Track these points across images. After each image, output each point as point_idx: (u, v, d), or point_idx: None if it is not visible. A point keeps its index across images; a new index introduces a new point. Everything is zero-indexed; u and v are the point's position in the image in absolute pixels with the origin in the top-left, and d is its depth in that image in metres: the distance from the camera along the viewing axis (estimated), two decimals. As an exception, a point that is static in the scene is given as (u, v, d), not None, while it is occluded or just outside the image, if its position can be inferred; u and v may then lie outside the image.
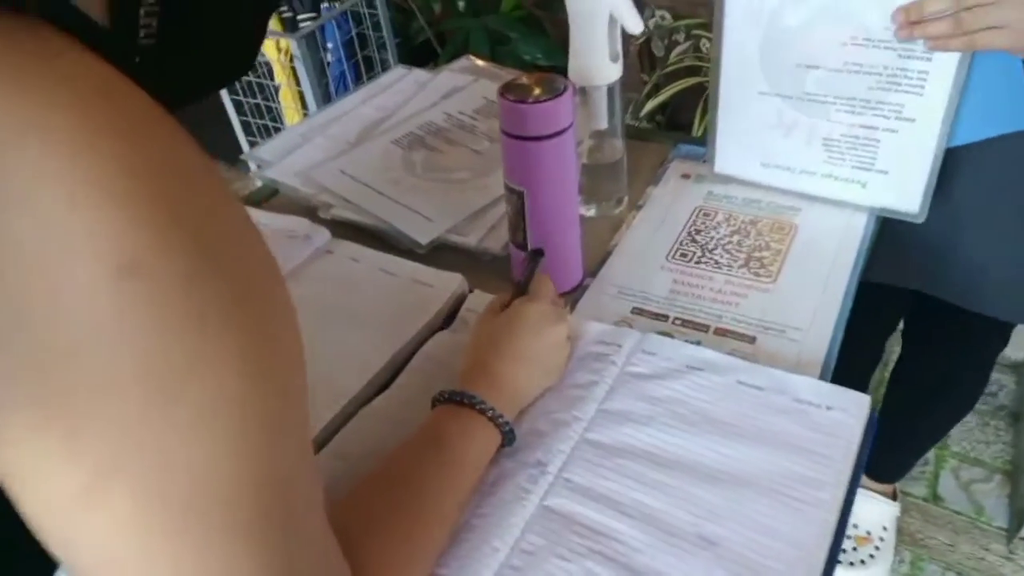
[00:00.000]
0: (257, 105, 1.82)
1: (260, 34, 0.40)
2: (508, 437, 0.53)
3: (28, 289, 0.23)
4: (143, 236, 0.24)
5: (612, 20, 0.68)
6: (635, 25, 0.67)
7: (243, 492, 0.27)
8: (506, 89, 0.61)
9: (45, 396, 0.23)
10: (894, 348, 1.33)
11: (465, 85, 0.99)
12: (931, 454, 1.42)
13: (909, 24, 0.63)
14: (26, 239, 0.22)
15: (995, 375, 1.54)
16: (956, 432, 1.45)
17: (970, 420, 1.47)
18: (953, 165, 0.71)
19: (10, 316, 0.23)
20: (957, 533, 1.30)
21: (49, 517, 0.26)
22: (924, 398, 1.09)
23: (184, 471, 0.25)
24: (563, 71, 0.68)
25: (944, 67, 0.65)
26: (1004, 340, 1.02)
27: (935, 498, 1.36)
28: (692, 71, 1.77)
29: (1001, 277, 0.83)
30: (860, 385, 1.04)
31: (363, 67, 1.82)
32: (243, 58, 0.40)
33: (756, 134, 0.75)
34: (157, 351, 0.24)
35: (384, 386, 0.63)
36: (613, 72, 0.72)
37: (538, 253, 0.63)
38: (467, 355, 0.58)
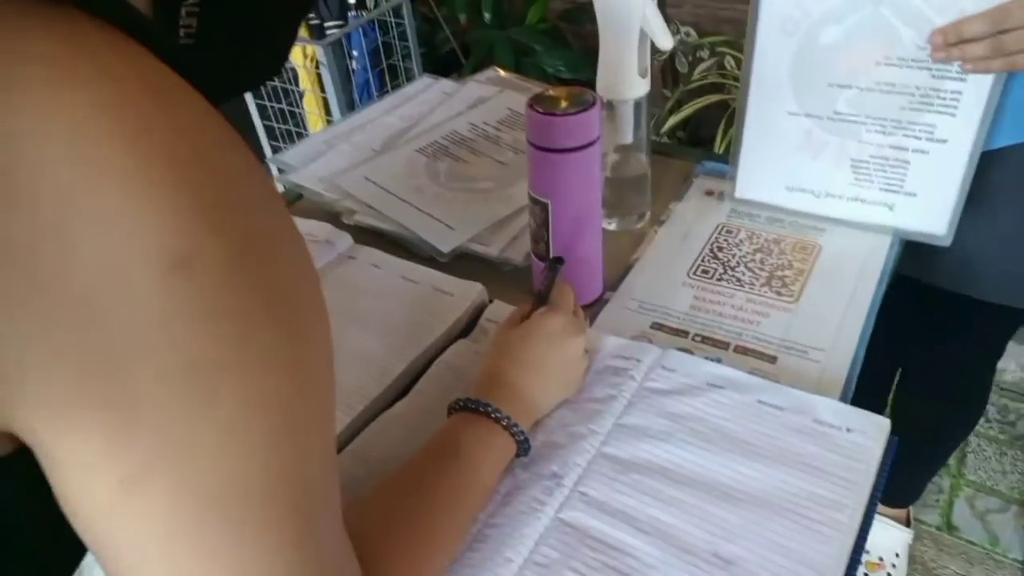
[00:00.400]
0: (281, 110, 1.83)
1: (291, 39, 0.41)
2: (523, 447, 0.53)
3: (91, 284, 0.23)
4: (192, 232, 0.24)
5: (642, 35, 0.69)
6: (665, 41, 0.68)
7: (273, 490, 0.27)
8: (535, 101, 0.61)
9: (100, 389, 0.24)
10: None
11: (490, 96, 1.00)
12: (946, 482, 1.41)
13: (947, 46, 0.63)
14: (78, 234, 0.23)
15: (1013, 404, 1.52)
16: (972, 461, 1.44)
17: (987, 449, 1.46)
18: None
19: (73, 309, 0.23)
20: (971, 563, 1.29)
21: (86, 507, 0.26)
22: (928, 417, 1.09)
23: (220, 467, 0.26)
24: (586, 84, 0.68)
25: (978, 87, 0.65)
26: (999, 350, 1.02)
27: (949, 527, 1.34)
28: (715, 88, 1.78)
29: (992, 260, 0.83)
30: (877, 406, 1.04)
31: (387, 75, 1.84)
32: (274, 62, 0.41)
33: (782, 156, 0.75)
34: (203, 347, 0.25)
35: (402, 392, 0.63)
36: (641, 87, 0.72)
37: (558, 262, 0.63)
38: (484, 364, 0.58)
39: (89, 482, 0.25)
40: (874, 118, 0.70)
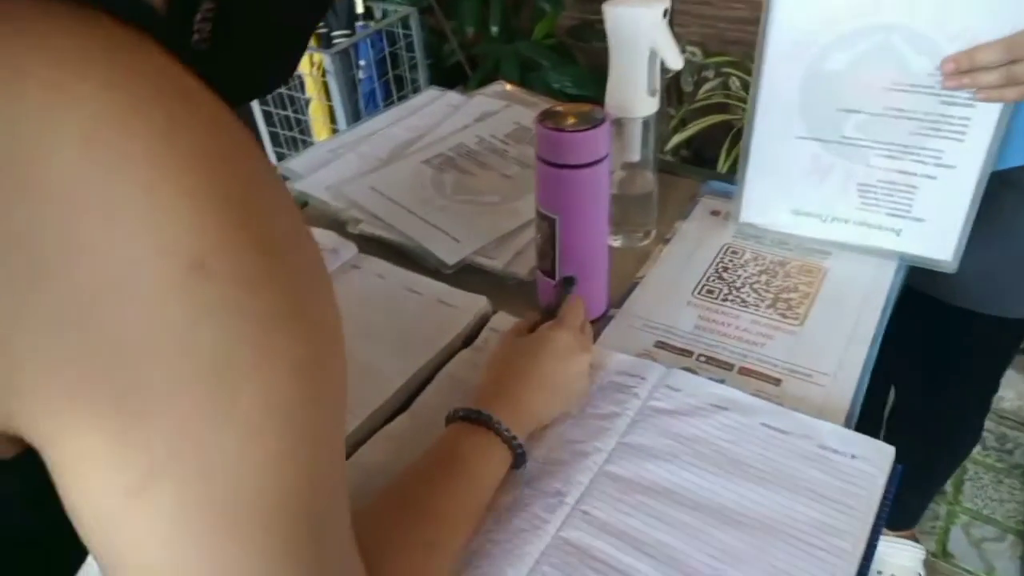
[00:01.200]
0: (286, 117, 1.83)
1: (303, 47, 0.41)
2: (519, 459, 0.53)
3: (103, 284, 0.23)
4: (212, 235, 0.24)
5: (652, 54, 0.69)
6: (675, 61, 0.68)
7: (284, 499, 0.27)
8: (544, 116, 0.61)
9: (109, 390, 0.23)
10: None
11: (498, 110, 1.00)
12: (943, 509, 1.40)
13: (959, 73, 0.63)
14: (88, 230, 0.22)
15: (1012, 433, 1.52)
16: (969, 488, 1.43)
17: (984, 477, 1.45)
18: None
19: (83, 307, 0.23)
20: (967, 592, 1.28)
21: (92, 511, 0.25)
22: (923, 441, 1.08)
23: (231, 474, 0.25)
24: (592, 101, 0.68)
25: (987, 113, 0.65)
26: (999, 373, 1.02)
27: (944, 554, 1.33)
28: (720, 108, 1.78)
29: (975, 270, 0.83)
30: (872, 428, 1.03)
31: (394, 86, 1.84)
32: (284, 70, 0.41)
33: (789, 180, 0.75)
34: (220, 350, 0.24)
35: (405, 404, 0.62)
36: (650, 106, 0.72)
37: (570, 281, 0.63)
38: (485, 374, 0.58)
39: (94, 486, 0.25)
40: (882, 143, 0.70)
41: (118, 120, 0.23)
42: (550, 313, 0.60)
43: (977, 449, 1.48)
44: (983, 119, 0.66)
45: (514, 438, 0.52)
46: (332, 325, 0.28)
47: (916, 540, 1.27)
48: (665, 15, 0.67)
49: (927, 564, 1.27)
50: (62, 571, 0.32)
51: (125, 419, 0.24)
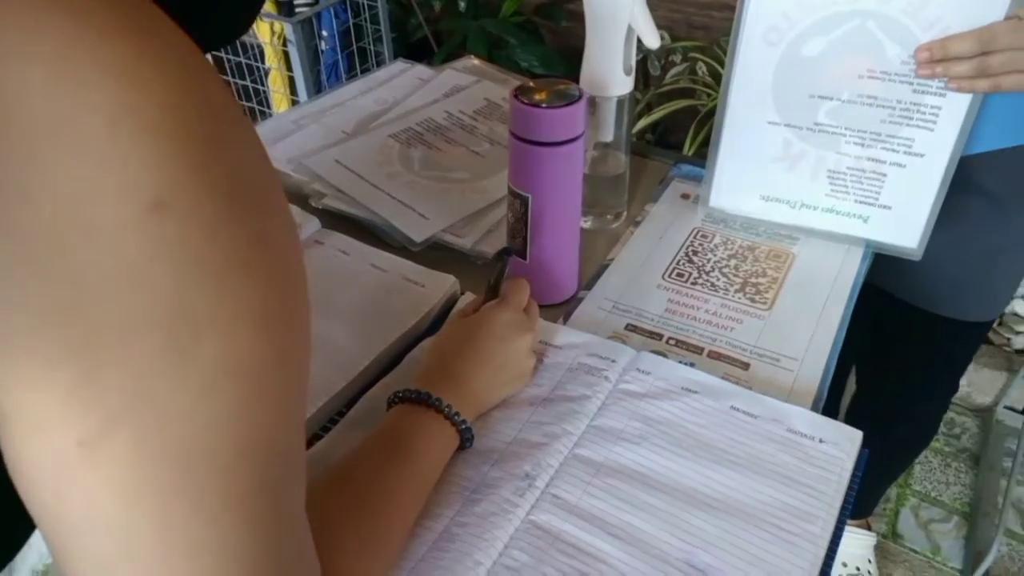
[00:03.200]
0: (244, 87, 1.78)
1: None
2: (465, 436, 0.53)
3: (60, 220, 0.21)
4: (175, 174, 0.22)
5: (629, 32, 0.68)
6: (652, 40, 0.67)
7: (241, 460, 0.25)
8: (520, 92, 0.60)
9: (64, 337, 0.22)
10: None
11: (467, 85, 0.98)
12: (892, 491, 1.44)
13: (931, 62, 0.63)
14: (61, 166, 0.21)
15: (959, 418, 1.57)
16: (918, 471, 1.47)
17: (932, 460, 1.50)
18: None
19: (43, 245, 0.21)
20: (913, 572, 1.32)
21: (39, 470, 0.24)
22: (880, 434, 1.10)
23: (187, 430, 0.24)
24: (558, 78, 0.67)
25: (957, 103, 0.65)
26: (964, 363, 1.04)
27: (894, 535, 1.37)
28: (686, 93, 1.78)
29: (967, 276, 0.85)
30: (830, 411, 1.04)
31: (357, 58, 1.80)
32: (242, 20, 0.39)
33: (759, 165, 0.74)
34: (178, 297, 0.23)
35: (368, 385, 0.61)
36: (625, 85, 0.71)
37: (505, 253, 0.62)
38: (429, 355, 0.57)
39: (44, 442, 0.23)
40: (854, 130, 0.70)
41: (86, 50, 0.21)
42: (493, 291, 0.60)
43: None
44: (953, 109, 0.66)
45: (457, 415, 0.52)
46: (298, 282, 0.27)
47: (869, 528, 1.30)
48: (644, -8, 0.66)
49: (877, 547, 1.30)
50: (9, 546, 0.30)
51: (79, 368, 0.22)
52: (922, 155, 0.68)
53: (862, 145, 0.70)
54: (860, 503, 1.27)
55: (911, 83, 0.66)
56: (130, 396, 0.23)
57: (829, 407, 0.59)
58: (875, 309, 0.90)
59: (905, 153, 0.69)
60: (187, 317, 0.23)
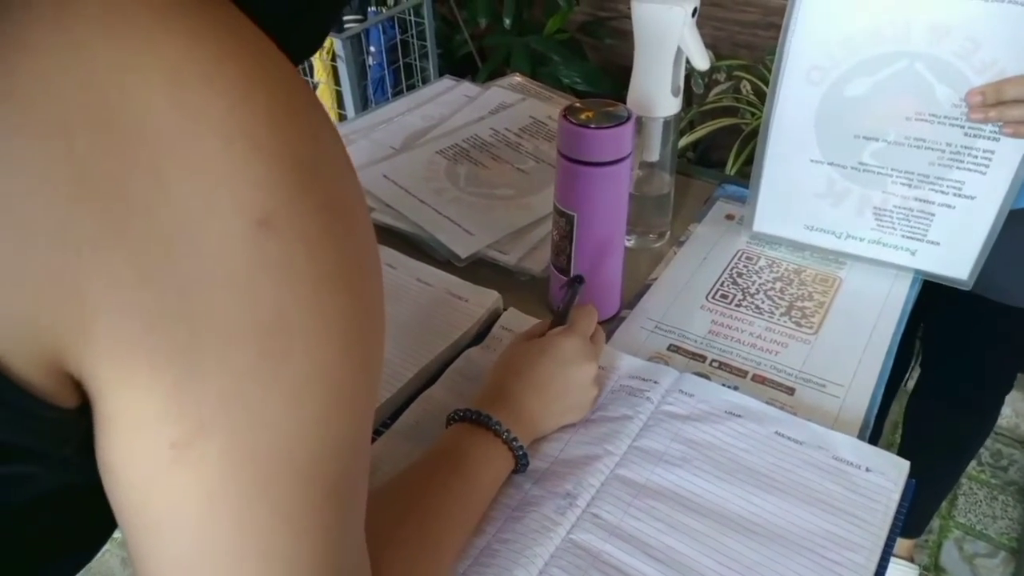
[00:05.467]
0: (293, 100, 1.82)
1: (338, 16, 0.40)
2: (521, 462, 0.52)
3: (173, 230, 0.23)
4: (280, 193, 0.24)
5: (679, 53, 0.68)
6: (702, 61, 0.67)
7: (319, 468, 0.27)
8: (568, 112, 0.60)
9: (170, 342, 0.23)
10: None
11: (513, 103, 0.99)
12: (935, 523, 1.40)
13: (984, 106, 0.62)
14: (180, 181, 0.22)
15: (1007, 450, 1.52)
16: (963, 503, 1.44)
17: (978, 492, 1.45)
18: None
19: (156, 257, 0.23)
20: (957, 606, 1.28)
21: (134, 467, 0.25)
22: (938, 431, 1.09)
23: (273, 437, 0.25)
24: (601, 96, 0.67)
25: (1012, 149, 0.63)
26: (1010, 380, 1.03)
27: (936, 568, 1.33)
28: (729, 111, 1.78)
29: (1009, 263, 0.82)
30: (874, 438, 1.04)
31: (403, 74, 1.83)
32: (321, 38, 0.40)
33: (802, 200, 0.73)
34: (277, 309, 0.24)
35: (411, 398, 0.61)
36: (673, 106, 0.71)
37: (578, 280, 0.62)
38: (490, 376, 0.57)
39: (140, 442, 0.24)
40: (901, 171, 0.68)
41: (202, 72, 0.23)
42: (560, 317, 0.59)
43: (972, 464, 1.48)
44: (1008, 154, 0.64)
45: (515, 440, 0.51)
46: (379, 300, 0.28)
47: (912, 560, 1.27)
48: (694, 14, 0.66)
49: (919, 579, 1.27)
50: (97, 537, 0.32)
51: (180, 372, 0.23)
52: (973, 197, 0.67)
53: (909, 186, 0.69)
54: (910, 521, 1.24)
55: (962, 126, 0.64)
56: (225, 401, 0.24)
57: (874, 434, 0.58)
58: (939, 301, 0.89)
59: (955, 195, 0.67)
60: (283, 328, 0.24)
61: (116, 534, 0.31)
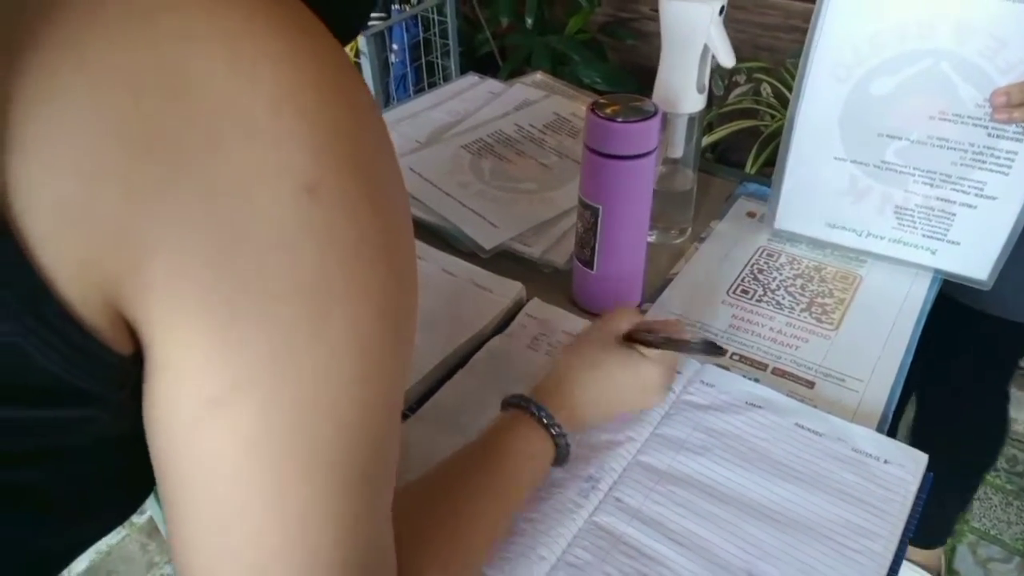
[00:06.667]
0: (316, 96, 1.84)
1: (373, 4, 0.42)
2: (561, 453, 0.52)
3: (225, 190, 0.24)
4: (325, 160, 0.25)
5: (705, 50, 0.69)
6: (728, 59, 0.68)
7: (351, 430, 0.27)
8: (596, 106, 0.62)
9: (218, 293, 0.24)
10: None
11: (537, 100, 1.00)
12: (950, 527, 1.40)
13: (1009, 106, 0.62)
14: (234, 143, 0.24)
15: (1022, 455, 1.52)
16: (978, 508, 1.43)
17: (993, 497, 1.45)
18: None
19: (209, 211, 0.24)
20: (970, 610, 1.28)
21: (173, 420, 0.26)
22: (949, 447, 1.08)
23: (309, 394, 0.26)
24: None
25: None
26: (1012, 367, 1.02)
27: (951, 572, 1.33)
28: (748, 113, 1.78)
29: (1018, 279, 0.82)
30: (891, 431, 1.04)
31: (424, 71, 1.85)
32: (363, 20, 0.41)
33: (824, 197, 0.74)
34: (320, 271, 0.25)
35: (436, 386, 0.63)
36: (698, 102, 0.72)
37: (718, 350, 0.55)
38: (558, 368, 0.56)
39: (179, 394, 0.25)
40: (923, 170, 0.69)
41: (253, 40, 0.24)
42: (656, 344, 0.56)
43: (990, 467, 1.48)
44: None
45: (557, 428, 0.51)
46: (413, 271, 0.29)
47: (940, 572, 1.26)
48: (722, 12, 0.67)
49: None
50: (136, 495, 0.33)
51: (228, 323, 0.25)
52: (995, 198, 0.67)
53: (931, 185, 0.69)
54: (934, 527, 1.24)
55: (986, 127, 0.65)
56: (265, 358, 0.25)
57: (891, 430, 0.59)
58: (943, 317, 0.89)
59: (976, 195, 0.68)
60: (324, 290, 0.25)
61: (135, 519, 0.31)
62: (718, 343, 0.60)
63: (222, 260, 0.24)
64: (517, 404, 0.52)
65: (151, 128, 0.23)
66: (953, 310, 0.90)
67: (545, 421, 0.51)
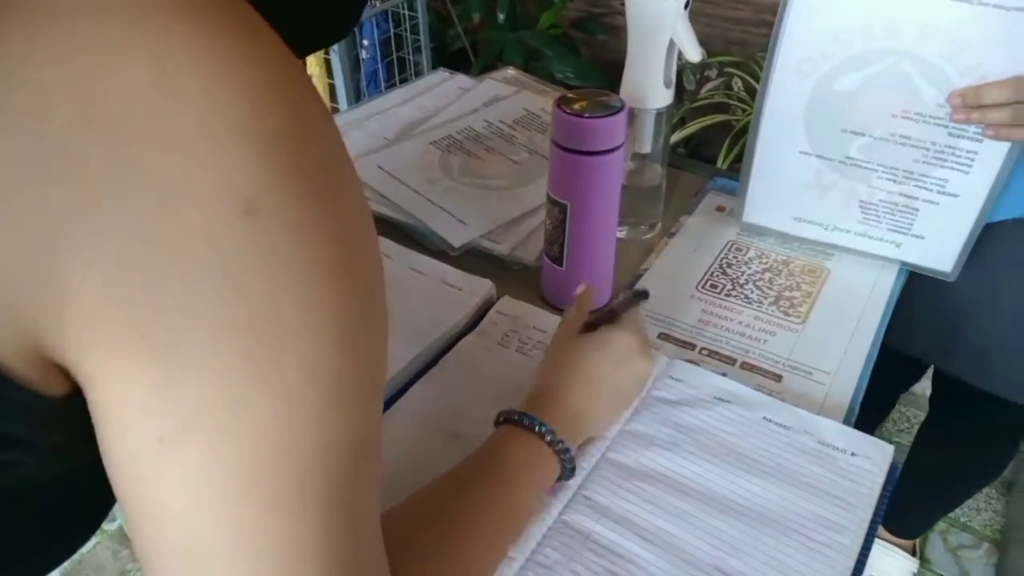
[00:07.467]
0: (286, 93, 1.82)
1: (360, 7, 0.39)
2: (567, 467, 0.50)
3: (154, 218, 0.22)
4: (264, 177, 0.22)
5: (671, 45, 0.69)
6: (694, 53, 0.68)
7: (316, 468, 0.25)
8: (563, 102, 0.61)
9: (155, 334, 0.22)
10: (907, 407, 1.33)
11: (507, 95, 1.00)
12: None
13: (966, 108, 0.62)
14: (150, 157, 0.21)
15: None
16: (948, 495, 1.45)
17: (963, 485, 1.47)
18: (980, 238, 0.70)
19: (135, 244, 0.22)
20: (941, 597, 1.30)
21: (123, 457, 0.24)
22: (951, 461, 1.09)
23: (264, 436, 0.24)
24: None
25: (994, 149, 0.64)
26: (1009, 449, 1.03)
27: (922, 559, 1.35)
28: (720, 108, 1.79)
29: (1007, 356, 0.83)
30: (869, 427, 1.03)
31: (396, 67, 1.83)
32: (342, 26, 0.38)
33: (791, 191, 0.74)
34: (267, 303, 0.23)
35: (406, 386, 0.62)
36: (665, 97, 0.72)
37: (643, 295, 0.59)
38: (539, 374, 0.55)
39: (129, 432, 0.24)
40: (886, 167, 0.69)
41: (180, 48, 0.22)
42: (609, 316, 0.57)
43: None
44: (990, 154, 0.65)
45: (562, 444, 0.49)
46: (378, 287, 0.27)
47: (914, 553, 1.28)
48: (687, 6, 0.67)
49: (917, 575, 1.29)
50: (90, 519, 0.32)
51: (167, 366, 0.22)
52: (956, 195, 0.68)
53: (894, 181, 0.70)
54: (915, 522, 1.26)
55: (946, 126, 0.65)
56: (211, 399, 0.23)
57: (864, 429, 0.59)
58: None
59: (939, 192, 0.68)
60: (273, 323, 0.23)
61: (106, 526, 0.31)
62: (640, 288, 0.61)
63: (152, 298, 0.22)
64: (513, 420, 0.50)
65: (63, 150, 0.21)
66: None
67: (549, 439, 0.49)
